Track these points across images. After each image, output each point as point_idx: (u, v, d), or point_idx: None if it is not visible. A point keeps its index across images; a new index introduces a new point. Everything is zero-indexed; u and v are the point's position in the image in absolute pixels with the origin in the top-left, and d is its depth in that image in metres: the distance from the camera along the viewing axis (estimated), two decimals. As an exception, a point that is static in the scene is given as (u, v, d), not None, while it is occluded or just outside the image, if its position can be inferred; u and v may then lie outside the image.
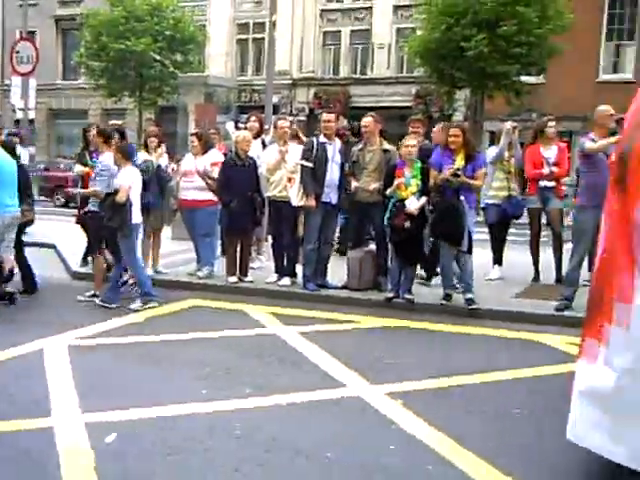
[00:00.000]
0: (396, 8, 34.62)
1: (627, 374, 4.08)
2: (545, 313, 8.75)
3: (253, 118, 12.08)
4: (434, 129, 10.62)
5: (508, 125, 10.71)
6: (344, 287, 9.97)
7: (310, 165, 9.65)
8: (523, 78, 24.79)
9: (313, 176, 9.66)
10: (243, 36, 38.37)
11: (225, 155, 10.77)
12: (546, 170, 10.17)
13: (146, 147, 10.89)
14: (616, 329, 4.17)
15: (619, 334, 4.14)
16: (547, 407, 5.74)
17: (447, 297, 9.23)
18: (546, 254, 10.63)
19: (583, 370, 4.49)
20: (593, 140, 8.47)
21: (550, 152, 10.29)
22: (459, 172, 8.81)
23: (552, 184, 10.26)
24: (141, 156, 10.61)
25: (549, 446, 4.97)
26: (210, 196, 10.46)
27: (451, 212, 8.73)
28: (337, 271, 10.29)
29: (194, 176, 10.56)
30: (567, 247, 9.68)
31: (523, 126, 13.19)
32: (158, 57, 32.36)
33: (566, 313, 8.55)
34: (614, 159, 4.48)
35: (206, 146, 10.87)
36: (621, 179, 4.23)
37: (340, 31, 36.33)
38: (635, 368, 4.04)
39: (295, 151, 10.17)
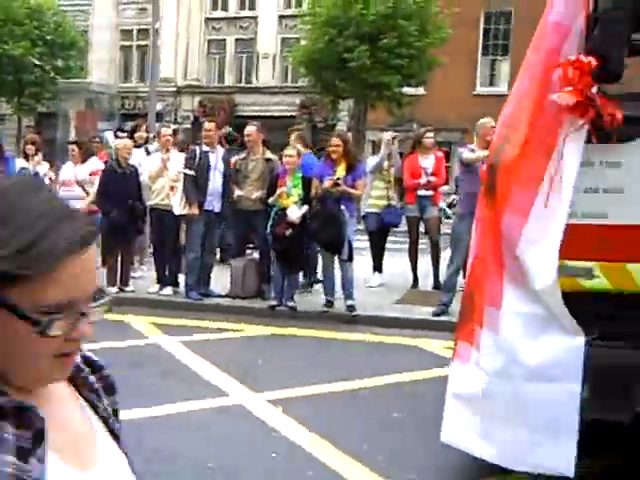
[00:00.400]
0: (281, 18, 34.82)
1: (497, 377, 4.24)
2: (423, 318, 8.99)
3: (144, 127, 12.00)
4: (291, 137, 10.67)
5: (387, 135, 10.93)
6: (227, 295, 9.95)
7: (192, 173, 9.60)
8: (404, 89, 25.33)
9: (195, 184, 9.60)
10: (127, 42, 37.76)
11: (106, 163, 10.57)
12: (424, 179, 10.43)
13: (25, 154, 10.59)
14: (487, 333, 4.32)
15: (489, 338, 4.29)
16: (425, 410, 5.88)
17: (329, 304, 9.35)
18: (424, 261, 10.90)
19: (456, 373, 4.63)
20: (473, 150, 8.76)
21: (428, 162, 10.57)
22: (339, 182, 8.94)
23: (430, 193, 10.55)
24: (19, 163, 10.31)
25: (428, 449, 5.09)
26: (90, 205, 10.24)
27: (332, 221, 8.86)
28: (220, 279, 10.26)
29: (74, 185, 10.32)
30: (444, 254, 9.96)
31: (405, 136, 13.52)
32: (38, 62, 31.37)
33: (443, 318, 8.80)
34: (485, 168, 4.64)
35: (86, 154, 10.64)
36: (491, 188, 4.40)
37: (225, 40, 36.26)
38: (504, 371, 4.20)
39: (177, 159, 10.09)
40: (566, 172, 3.97)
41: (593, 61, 3.82)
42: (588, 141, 4.01)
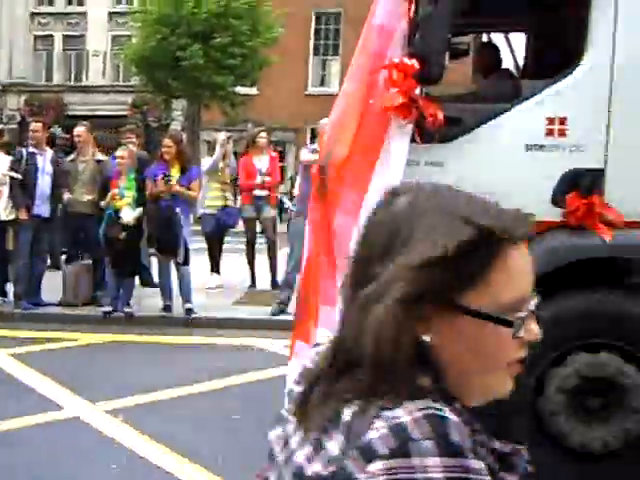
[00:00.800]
0: (111, 15, 33.94)
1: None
2: (262, 318, 9.03)
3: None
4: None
5: (222, 136, 10.91)
6: (60, 304, 9.60)
7: (19, 176, 9.20)
8: (237, 89, 25.34)
9: (22, 188, 9.21)
10: (-57, 37, 35.67)
11: None
12: (258, 180, 10.46)
13: None
14: (322, 331, 4.38)
15: (325, 336, 4.35)
16: (267, 411, 5.88)
17: (167, 308, 9.22)
18: (263, 261, 10.92)
19: (294, 372, 4.66)
20: (314, 151, 8.84)
21: (262, 162, 10.60)
22: (170, 178, 8.81)
23: (265, 193, 10.58)
24: None
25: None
26: None
27: (167, 223, 8.74)
28: (52, 287, 9.86)
29: None
30: (283, 253, 10.04)
31: (239, 136, 13.51)
32: None
33: (282, 317, 8.84)
34: (315, 169, 4.70)
35: None
36: (322, 189, 4.47)
37: (52, 36, 34.93)
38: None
39: (3, 161, 9.63)
40: (392, 172, 4.09)
41: (415, 64, 3.96)
42: (413, 141, 4.16)
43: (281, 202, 17.45)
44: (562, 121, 4.27)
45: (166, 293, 9.26)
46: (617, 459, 4.36)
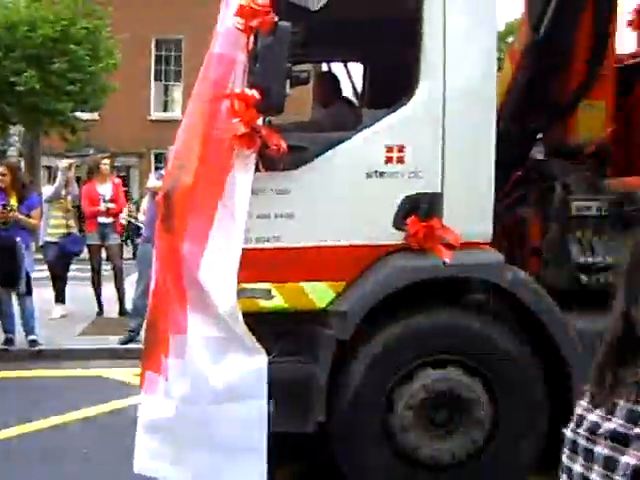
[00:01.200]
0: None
1: (185, 402, 4.30)
2: (111, 347, 8.85)
3: None
4: None
5: (64, 163, 10.67)
6: None
7: None
8: (78, 114, 24.64)
9: None
10: None
11: None
12: (102, 207, 10.28)
13: None
14: (173, 360, 4.36)
15: (176, 365, 4.34)
16: (118, 442, 5.77)
17: (9, 341, 8.88)
18: (110, 288, 10.70)
19: (145, 403, 4.62)
20: (162, 176, 8.76)
21: (106, 189, 10.44)
22: (11, 207, 8.53)
23: (110, 220, 10.42)
24: None
25: None
26: None
27: (6, 253, 8.44)
28: None
29: None
30: (131, 279, 9.88)
31: (81, 161, 13.21)
32: None
33: (132, 345, 8.68)
34: (160, 197, 4.67)
35: None
36: (167, 216, 4.46)
37: None
38: (192, 396, 4.27)
39: None
40: (238, 200, 4.15)
41: (256, 94, 4.04)
42: (258, 170, 4.23)
43: (137, 228, 17.19)
44: (400, 149, 4.47)
45: (8, 325, 8.91)
46: (461, 468, 4.58)
